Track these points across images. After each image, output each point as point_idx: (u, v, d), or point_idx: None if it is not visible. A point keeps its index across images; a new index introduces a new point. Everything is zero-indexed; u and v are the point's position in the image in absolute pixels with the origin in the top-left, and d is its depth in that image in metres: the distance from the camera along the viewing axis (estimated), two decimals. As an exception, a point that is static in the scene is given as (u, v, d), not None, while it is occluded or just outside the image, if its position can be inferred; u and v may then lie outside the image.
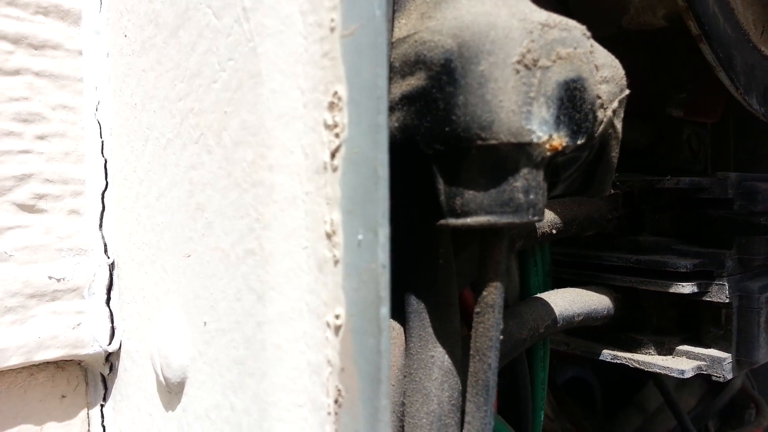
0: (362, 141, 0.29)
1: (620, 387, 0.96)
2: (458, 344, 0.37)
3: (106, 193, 0.52)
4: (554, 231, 0.49)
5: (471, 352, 0.35)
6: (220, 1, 0.36)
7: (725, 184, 0.52)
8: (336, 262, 0.30)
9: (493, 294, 0.34)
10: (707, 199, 0.53)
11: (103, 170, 0.52)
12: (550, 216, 0.49)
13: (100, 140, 0.52)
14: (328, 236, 0.30)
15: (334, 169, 0.30)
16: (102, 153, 0.52)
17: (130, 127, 0.47)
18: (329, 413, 0.30)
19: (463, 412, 0.36)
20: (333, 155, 0.30)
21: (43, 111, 0.48)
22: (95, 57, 0.52)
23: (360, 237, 0.29)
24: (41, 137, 0.48)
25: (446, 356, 0.36)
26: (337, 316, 0.30)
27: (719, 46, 0.48)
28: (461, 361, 0.37)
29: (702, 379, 0.96)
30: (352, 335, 0.29)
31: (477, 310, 0.35)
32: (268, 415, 0.33)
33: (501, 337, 0.35)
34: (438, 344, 0.37)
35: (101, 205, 0.52)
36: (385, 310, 0.28)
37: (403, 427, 0.37)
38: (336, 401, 0.30)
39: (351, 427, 0.29)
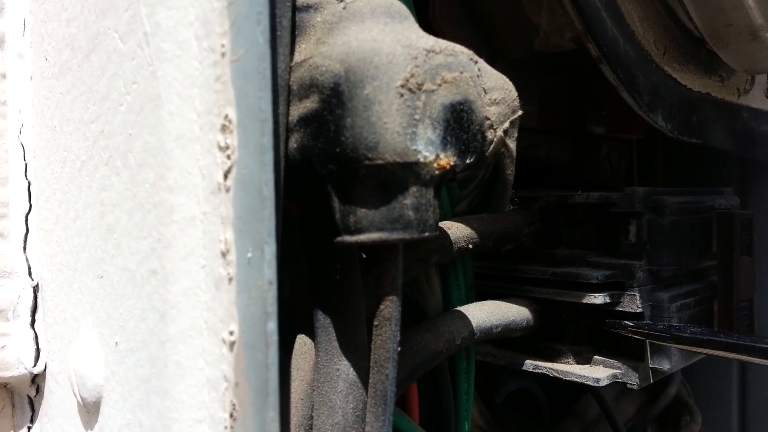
0: (250, 162, 0.30)
1: (567, 397, 0.98)
2: (364, 357, 0.38)
3: (29, 215, 0.52)
4: (471, 246, 0.51)
5: (371, 365, 0.36)
6: (125, 26, 0.37)
7: (633, 199, 0.54)
8: (230, 280, 0.31)
9: (389, 307, 0.35)
10: (617, 213, 0.55)
11: (27, 192, 0.52)
12: (466, 231, 0.51)
13: (24, 163, 0.52)
14: (223, 255, 0.31)
15: (227, 190, 0.31)
16: (26, 175, 0.52)
17: (50, 150, 0.48)
18: (225, 427, 0.31)
19: (368, 423, 0.38)
20: (226, 176, 0.31)
21: (-37, 135, 0.49)
22: (19, 80, 0.52)
23: (249, 255, 0.30)
24: (-39, 161, 0.49)
25: (351, 369, 0.38)
26: (231, 332, 0.31)
27: (619, 67, 0.50)
28: (367, 373, 0.38)
29: (642, 389, 0.98)
30: (243, 350, 0.30)
31: (375, 323, 0.36)
32: None
33: (399, 348, 0.36)
34: (343, 357, 0.38)
35: (25, 228, 0.52)
36: (272, 324, 0.29)
37: (309, 439, 0.38)
38: (231, 415, 0.31)
39: (242, 439, 0.30)
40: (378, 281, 0.36)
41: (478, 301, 0.56)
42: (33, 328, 0.52)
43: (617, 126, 0.72)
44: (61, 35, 0.46)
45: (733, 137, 0.67)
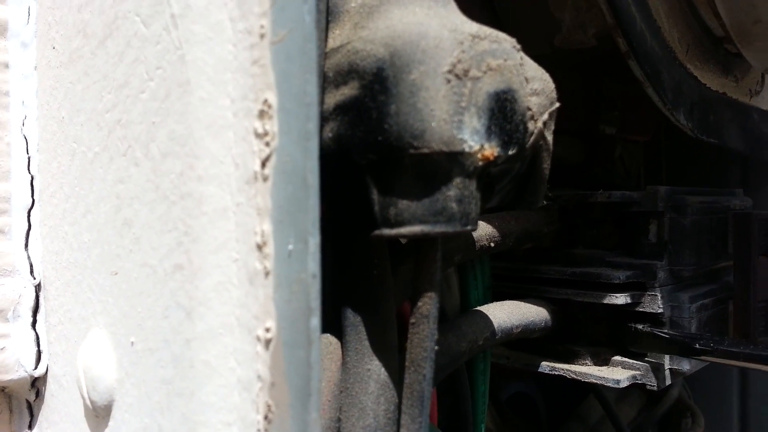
0: (292, 149, 0.28)
1: (564, 401, 0.97)
2: (395, 357, 0.37)
3: (32, 211, 0.50)
4: (492, 244, 0.50)
5: (406, 364, 0.35)
6: (149, 8, 0.35)
7: (655, 198, 0.53)
8: (267, 274, 0.29)
9: (428, 304, 0.34)
10: (638, 213, 0.54)
11: (30, 187, 0.50)
12: (487, 229, 0.50)
13: (27, 156, 0.50)
14: (259, 247, 0.30)
15: (265, 179, 0.29)
16: (28, 169, 0.50)
17: (57, 142, 0.46)
18: (258, 430, 0.29)
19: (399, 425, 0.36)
20: (263, 164, 0.29)
21: (-37, 125, 0.46)
22: (22, 70, 0.50)
23: (290, 247, 0.28)
24: (-39, 152, 0.46)
25: (383, 369, 0.36)
26: (267, 330, 0.29)
27: (647, 63, 0.49)
28: (398, 374, 0.37)
29: (640, 390, 0.98)
30: (282, 348, 0.28)
31: (412, 320, 0.34)
32: (198, 435, 0.32)
33: (436, 347, 0.34)
34: (374, 357, 0.36)
35: (27, 224, 0.50)
36: (315, 320, 0.27)
37: (339, 443, 0.36)
38: (266, 417, 0.29)
39: (281, 444, 0.28)
40: (416, 277, 0.34)
41: (495, 301, 0.54)
42: (34, 329, 0.49)
43: (628, 127, 0.71)
44: (72, 22, 0.44)
45: (744, 138, 0.67)
